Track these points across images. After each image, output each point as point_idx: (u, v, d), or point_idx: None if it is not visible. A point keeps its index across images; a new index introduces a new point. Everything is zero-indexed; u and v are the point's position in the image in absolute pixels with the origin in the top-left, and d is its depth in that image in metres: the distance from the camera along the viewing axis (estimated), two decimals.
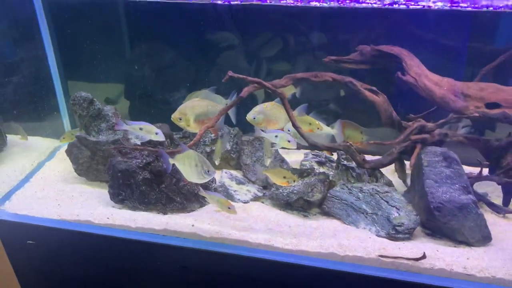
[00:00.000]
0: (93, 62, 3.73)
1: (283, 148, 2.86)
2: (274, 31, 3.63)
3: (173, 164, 2.60)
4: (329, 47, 3.46)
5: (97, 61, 3.74)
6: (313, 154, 3.32)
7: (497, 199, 2.92)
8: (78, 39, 3.68)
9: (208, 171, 2.51)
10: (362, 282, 2.48)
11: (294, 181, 2.63)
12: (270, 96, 3.31)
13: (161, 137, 2.75)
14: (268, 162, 3.09)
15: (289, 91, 3.13)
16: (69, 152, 3.19)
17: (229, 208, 2.67)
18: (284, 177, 2.63)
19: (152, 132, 2.73)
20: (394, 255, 2.46)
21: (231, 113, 3.03)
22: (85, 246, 2.88)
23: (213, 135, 3.30)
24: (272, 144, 2.66)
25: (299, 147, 3.16)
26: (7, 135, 3.42)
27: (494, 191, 2.98)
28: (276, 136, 2.61)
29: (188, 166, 2.53)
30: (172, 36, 3.73)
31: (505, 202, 2.87)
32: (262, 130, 2.69)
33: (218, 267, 2.70)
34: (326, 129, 3.02)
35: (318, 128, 2.71)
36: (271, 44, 3.69)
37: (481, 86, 2.71)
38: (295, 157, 3.48)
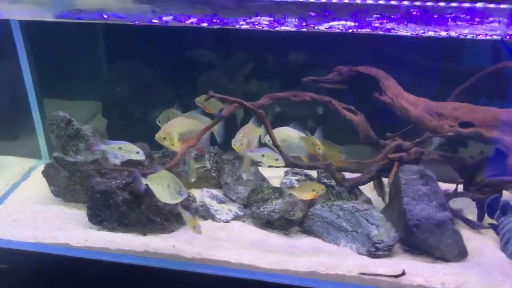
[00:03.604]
0: (69, 80, 3.70)
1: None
2: (249, 52, 3.70)
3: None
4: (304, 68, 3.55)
5: (73, 79, 3.71)
6: (293, 172, 3.35)
7: (471, 215, 3.01)
8: (55, 58, 3.65)
9: (180, 192, 2.51)
10: None
11: (323, 190, 2.67)
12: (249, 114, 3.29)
13: (141, 156, 2.72)
14: (245, 176, 3.10)
15: (215, 108, 3.05)
16: (45, 173, 3.11)
17: (194, 227, 2.66)
18: (313, 190, 2.67)
19: (133, 151, 2.70)
20: (375, 273, 2.50)
21: (218, 133, 3.03)
22: (63, 269, 2.80)
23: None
24: (259, 163, 2.66)
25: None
26: None
27: (468, 207, 3.07)
28: (262, 155, 2.62)
29: (160, 186, 2.52)
30: (150, 55, 3.74)
31: (479, 218, 2.96)
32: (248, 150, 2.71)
33: None
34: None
35: (319, 149, 2.75)
36: (246, 63, 3.74)
37: (454, 106, 2.82)
38: (271, 173, 3.49)
